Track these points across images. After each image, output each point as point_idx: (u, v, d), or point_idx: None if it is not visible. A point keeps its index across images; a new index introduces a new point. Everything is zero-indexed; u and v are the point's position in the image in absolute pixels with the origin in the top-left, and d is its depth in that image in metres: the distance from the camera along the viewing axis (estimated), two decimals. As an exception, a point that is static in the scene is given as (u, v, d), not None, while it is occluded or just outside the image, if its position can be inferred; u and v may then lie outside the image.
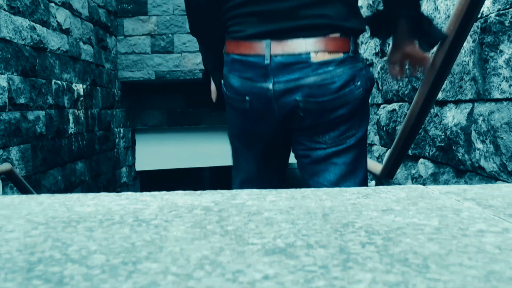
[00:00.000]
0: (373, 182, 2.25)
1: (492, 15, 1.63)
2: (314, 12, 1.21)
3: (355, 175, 1.32)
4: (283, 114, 1.28)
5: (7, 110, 3.41)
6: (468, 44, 1.82)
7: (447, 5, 2.01)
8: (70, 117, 4.73)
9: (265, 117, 1.30)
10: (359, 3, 3.56)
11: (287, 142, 1.41)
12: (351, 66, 1.23)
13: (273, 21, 1.23)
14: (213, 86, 1.51)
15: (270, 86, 1.24)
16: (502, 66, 1.58)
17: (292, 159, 1.46)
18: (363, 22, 1.29)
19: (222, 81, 1.38)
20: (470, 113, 1.82)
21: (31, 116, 3.82)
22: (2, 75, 3.36)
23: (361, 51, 3.56)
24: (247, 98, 1.29)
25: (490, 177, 1.68)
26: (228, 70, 1.32)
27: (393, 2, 1.28)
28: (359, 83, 1.24)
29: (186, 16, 6.62)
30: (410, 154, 2.48)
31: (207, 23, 1.37)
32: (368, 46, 3.39)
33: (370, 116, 3.35)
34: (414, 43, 1.30)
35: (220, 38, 1.36)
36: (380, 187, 0.95)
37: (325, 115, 1.25)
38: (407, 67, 1.38)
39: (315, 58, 1.20)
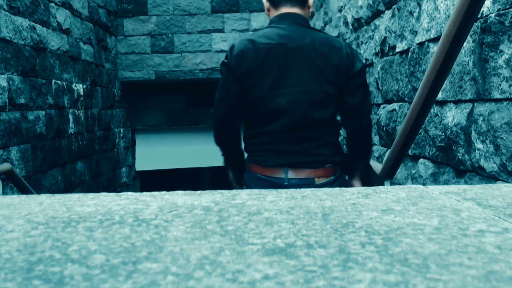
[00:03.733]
0: (373, 182, 2.25)
1: (492, 15, 1.63)
2: (317, 152, 1.80)
3: None
4: None
5: (7, 110, 3.41)
6: (468, 44, 1.82)
7: (447, 5, 2.01)
8: (70, 117, 4.73)
9: None
10: (359, 4, 3.56)
11: None
12: (338, 183, 1.84)
13: (289, 156, 1.80)
14: (231, 178, 2.09)
15: None
16: (502, 66, 1.58)
17: None
18: (343, 156, 1.90)
19: (245, 188, 1.91)
20: (470, 113, 1.82)
21: (31, 116, 3.82)
22: (2, 75, 3.36)
23: (361, 51, 3.56)
24: None
25: (490, 177, 1.68)
26: (255, 184, 1.85)
27: (353, 155, 1.93)
28: None
29: (185, 16, 6.65)
30: (410, 154, 2.48)
31: (233, 141, 1.93)
32: (368, 46, 3.39)
33: (371, 116, 3.36)
34: (360, 183, 1.94)
35: (239, 149, 1.97)
36: (380, 187, 0.95)
37: None
38: None
39: (318, 181, 1.80)
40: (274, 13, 1.87)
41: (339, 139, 1.98)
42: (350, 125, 1.87)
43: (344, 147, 2.23)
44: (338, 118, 1.95)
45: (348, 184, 1.93)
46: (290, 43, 1.76)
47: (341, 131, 2.17)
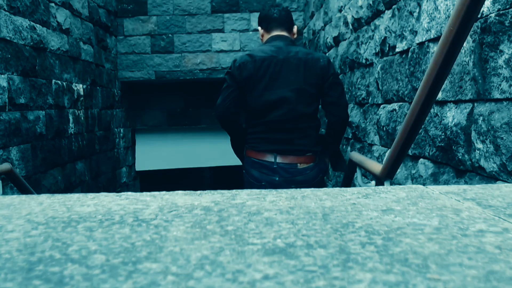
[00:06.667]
0: (373, 182, 2.25)
1: (492, 15, 1.63)
2: (300, 142, 2.32)
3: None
4: None
5: (7, 110, 3.41)
6: (468, 44, 1.82)
7: (447, 5, 2.01)
8: (70, 117, 4.72)
9: None
10: (359, 4, 3.56)
11: None
12: (317, 168, 2.36)
13: (278, 144, 2.32)
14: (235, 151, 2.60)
15: (277, 178, 2.32)
16: (502, 66, 1.58)
17: None
18: (322, 146, 2.41)
19: (244, 171, 2.44)
20: (470, 113, 1.82)
21: (31, 116, 3.82)
22: (2, 75, 3.37)
23: (361, 51, 3.56)
24: (263, 183, 2.34)
25: (490, 177, 1.68)
26: (250, 166, 2.39)
27: (328, 139, 2.44)
28: (321, 175, 2.39)
29: (185, 16, 6.65)
30: (410, 154, 2.48)
31: (236, 127, 2.45)
32: (368, 46, 3.39)
33: (371, 116, 3.36)
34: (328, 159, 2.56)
35: (240, 132, 2.46)
36: (380, 187, 0.95)
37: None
38: None
39: (300, 166, 2.32)
40: (267, 36, 2.47)
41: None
42: (330, 117, 2.38)
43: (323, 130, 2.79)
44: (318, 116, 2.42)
45: (325, 169, 2.43)
46: (279, 55, 2.32)
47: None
